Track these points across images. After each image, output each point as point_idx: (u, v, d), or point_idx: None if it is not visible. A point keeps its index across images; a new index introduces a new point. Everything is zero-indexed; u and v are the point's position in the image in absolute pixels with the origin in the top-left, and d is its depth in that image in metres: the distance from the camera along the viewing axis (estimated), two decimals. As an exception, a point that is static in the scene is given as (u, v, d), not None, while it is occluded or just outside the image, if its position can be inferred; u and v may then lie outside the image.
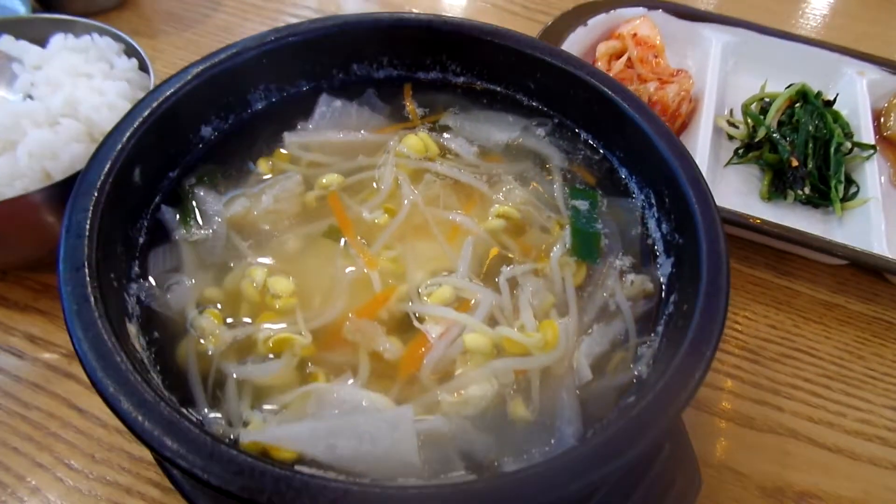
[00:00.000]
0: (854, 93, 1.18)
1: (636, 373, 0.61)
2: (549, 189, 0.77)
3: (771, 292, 0.99)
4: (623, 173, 0.78)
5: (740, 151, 1.11)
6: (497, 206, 0.74)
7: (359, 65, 0.84)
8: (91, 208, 0.57)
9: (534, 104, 0.84)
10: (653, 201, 0.73)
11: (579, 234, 0.72)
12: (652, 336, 0.64)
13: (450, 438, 0.56)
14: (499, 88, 0.85)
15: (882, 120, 1.20)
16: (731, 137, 1.15)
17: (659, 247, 0.71)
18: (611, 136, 0.79)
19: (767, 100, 1.15)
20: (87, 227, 0.56)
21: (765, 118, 1.10)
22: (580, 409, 0.59)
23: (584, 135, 0.81)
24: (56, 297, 0.85)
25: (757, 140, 1.09)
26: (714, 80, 1.18)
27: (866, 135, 1.11)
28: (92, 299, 0.52)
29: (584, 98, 0.78)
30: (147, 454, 0.74)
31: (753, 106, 1.15)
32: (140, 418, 0.47)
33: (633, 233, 0.73)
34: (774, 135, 1.07)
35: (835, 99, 1.17)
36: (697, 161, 1.00)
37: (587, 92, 0.77)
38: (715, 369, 0.89)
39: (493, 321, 0.64)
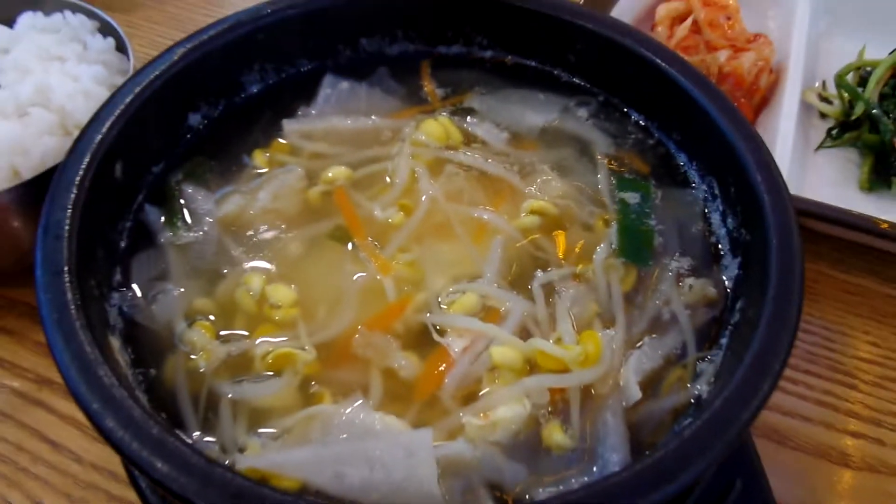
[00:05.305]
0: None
1: (695, 392, 0.66)
2: (593, 180, 0.83)
3: (872, 302, 1.03)
4: (681, 159, 0.83)
5: (834, 132, 1.16)
6: (531, 200, 0.80)
7: (369, 39, 0.91)
8: (70, 207, 0.65)
9: (574, 81, 0.91)
10: (717, 192, 0.79)
11: (628, 232, 0.77)
12: (714, 350, 0.69)
13: (475, 466, 0.61)
14: (533, 63, 0.92)
15: None
16: (823, 115, 1.20)
17: (724, 245, 0.76)
18: (667, 116, 0.85)
19: (867, 69, 1.19)
20: (67, 227, 0.64)
21: (864, 91, 1.14)
22: (628, 434, 0.64)
23: (634, 115, 0.88)
24: (23, 315, 0.95)
25: (854, 118, 1.13)
26: (801, 46, 1.22)
27: None
28: (73, 307, 0.59)
29: (633, 72, 0.85)
30: (128, 495, 0.81)
31: (850, 76, 1.19)
32: (127, 437, 0.53)
33: (694, 229, 0.78)
34: (875, 111, 1.11)
35: (954, 65, 1.20)
36: (781, 144, 1.08)
37: (637, 64, 0.84)
38: (802, 395, 0.93)
39: (525, 333, 0.70)
